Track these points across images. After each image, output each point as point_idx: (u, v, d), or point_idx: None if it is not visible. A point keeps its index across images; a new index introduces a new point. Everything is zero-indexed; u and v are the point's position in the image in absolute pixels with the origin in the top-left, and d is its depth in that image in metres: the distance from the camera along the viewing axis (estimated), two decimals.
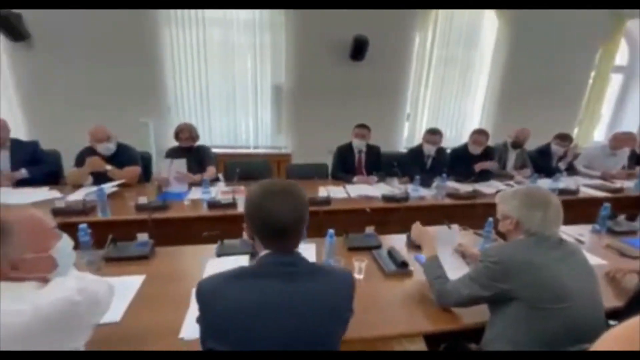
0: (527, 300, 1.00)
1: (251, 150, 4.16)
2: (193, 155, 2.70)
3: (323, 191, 2.55)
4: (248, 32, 3.69)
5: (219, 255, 1.54)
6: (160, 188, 2.46)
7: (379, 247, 1.68)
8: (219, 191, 2.48)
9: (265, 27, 3.70)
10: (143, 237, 1.60)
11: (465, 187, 2.78)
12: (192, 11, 3.48)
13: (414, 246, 1.63)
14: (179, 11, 3.46)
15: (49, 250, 0.81)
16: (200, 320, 0.80)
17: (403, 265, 1.47)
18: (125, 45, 3.38)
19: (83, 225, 1.48)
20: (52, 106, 3.45)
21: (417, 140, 4.01)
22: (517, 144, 3.34)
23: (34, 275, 0.78)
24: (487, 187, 2.82)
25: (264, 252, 0.84)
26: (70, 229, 1.25)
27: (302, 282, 0.80)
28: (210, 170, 2.68)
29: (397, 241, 1.77)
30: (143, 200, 2.07)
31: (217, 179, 2.84)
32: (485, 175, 3.02)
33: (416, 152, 3.15)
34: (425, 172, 2.93)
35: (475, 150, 3.07)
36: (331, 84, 3.95)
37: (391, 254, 1.56)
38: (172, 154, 2.69)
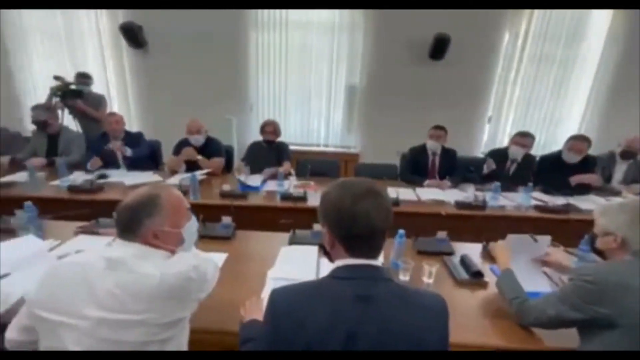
0: (631, 329, 0.87)
1: (321, 149, 4.29)
2: (273, 149, 2.91)
3: (392, 192, 2.51)
4: (327, 34, 3.82)
5: (291, 243, 1.65)
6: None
7: (451, 253, 1.61)
8: (292, 185, 2.63)
9: (343, 28, 3.79)
10: (227, 220, 1.78)
11: (555, 200, 2.47)
12: (277, 15, 3.73)
13: (490, 257, 1.52)
14: (265, 15, 3.74)
15: (181, 227, 0.93)
16: (267, 328, 0.73)
17: (477, 274, 1.39)
18: (219, 49, 3.79)
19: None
20: (156, 102, 4.04)
21: (499, 145, 3.68)
22: (628, 154, 2.85)
23: (167, 246, 0.89)
24: (584, 202, 2.46)
25: (342, 262, 0.76)
26: None
27: (382, 308, 0.70)
28: (286, 166, 2.86)
29: (470, 250, 1.67)
30: (227, 188, 2.31)
31: (290, 174, 3.01)
32: (583, 189, 2.64)
33: (500, 155, 2.89)
34: (507, 179, 2.69)
35: (572, 158, 2.69)
36: (407, 84, 3.87)
37: (464, 261, 1.48)
38: (255, 147, 2.93)
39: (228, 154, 3.23)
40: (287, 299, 0.73)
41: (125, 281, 0.78)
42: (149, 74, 3.92)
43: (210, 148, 2.94)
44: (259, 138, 3.08)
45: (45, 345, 0.79)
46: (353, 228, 0.72)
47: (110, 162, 2.85)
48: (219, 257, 1.48)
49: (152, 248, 0.86)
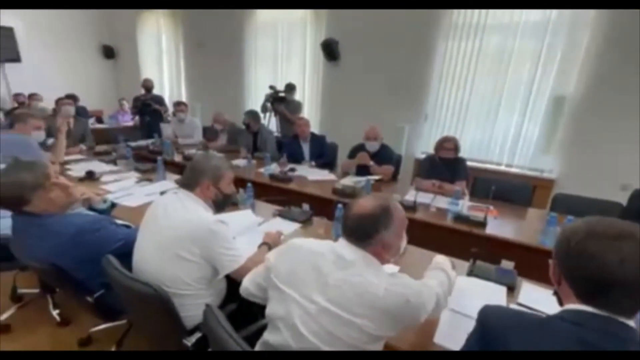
0: None
1: (502, 168, 3.70)
2: (449, 165, 2.69)
3: None
4: (534, 35, 3.23)
5: (469, 274, 1.44)
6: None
7: None
8: (466, 205, 2.35)
9: (560, 28, 3.10)
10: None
11: None
12: (475, 19, 3.43)
13: None
14: (460, 21, 3.51)
15: (401, 240, 0.97)
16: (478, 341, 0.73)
17: None
18: (403, 58, 3.83)
19: (340, 206, 1.78)
20: (338, 109, 4.48)
21: None
22: None
23: (386, 257, 0.93)
24: None
25: (573, 307, 0.66)
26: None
27: None
28: (461, 184, 2.59)
29: None
30: (398, 198, 2.29)
31: (464, 193, 2.71)
32: None
33: None
34: None
35: None
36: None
37: None
38: (428, 161, 2.78)
39: (396, 162, 3.23)
40: (507, 320, 0.70)
41: (354, 282, 0.83)
42: (336, 83, 4.40)
43: (382, 155, 3.00)
44: (428, 149, 2.92)
45: (273, 308, 0.91)
46: (582, 269, 0.63)
47: (297, 158, 3.36)
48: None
49: (375, 258, 0.90)
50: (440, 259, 1.25)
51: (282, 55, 4.84)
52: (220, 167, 1.35)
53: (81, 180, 2.57)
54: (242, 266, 1.23)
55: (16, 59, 5.45)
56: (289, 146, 3.47)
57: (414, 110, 3.93)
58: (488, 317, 0.73)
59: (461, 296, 1.27)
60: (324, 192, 2.55)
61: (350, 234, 0.91)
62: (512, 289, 1.33)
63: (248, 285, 1.06)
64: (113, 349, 1.73)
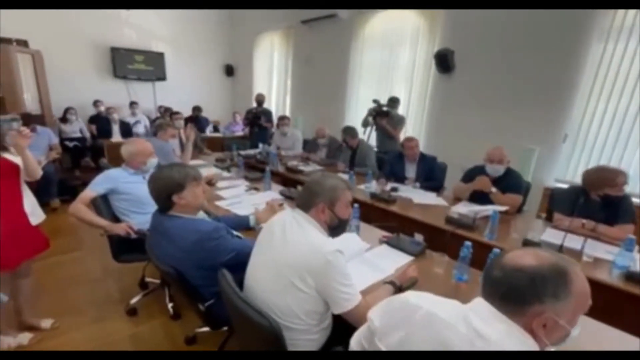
0: None
1: None
2: (606, 203, 2.08)
3: None
4: None
5: None
6: None
7: None
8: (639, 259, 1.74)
9: None
10: None
11: None
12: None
13: None
14: (617, 20, 2.80)
15: (574, 325, 0.66)
16: None
17: None
18: (536, 65, 3.23)
19: (468, 243, 1.49)
20: (448, 125, 4.05)
21: None
22: None
23: (545, 341, 0.64)
24: None
25: None
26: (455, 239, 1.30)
27: None
28: (625, 230, 1.95)
29: None
30: (532, 237, 1.84)
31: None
32: None
33: None
34: None
35: None
36: None
37: None
38: (573, 196, 2.19)
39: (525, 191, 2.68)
40: None
41: None
42: (448, 96, 3.99)
43: (507, 181, 2.52)
44: (566, 177, 2.30)
45: None
46: None
47: (399, 177, 3.10)
48: None
49: (528, 335, 0.63)
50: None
51: (387, 68, 4.67)
52: (336, 187, 1.22)
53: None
54: (356, 306, 1.07)
55: (163, 78, 6.63)
56: (392, 164, 3.25)
57: (548, 129, 3.24)
58: None
59: None
60: (433, 219, 2.24)
61: (494, 295, 0.66)
62: None
63: (353, 345, 0.85)
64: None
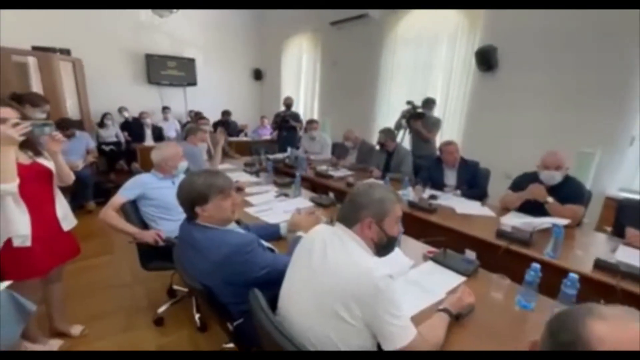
0: None
1: None
2: None
3: None
4: None
5: None
6: None
7: None
8: None
9: None
10: None
11: None
12: None
13: None
14: None
15: None
16: None
17: None
18: (597, 58, 2.89)
19: (536, 266, 1.26)
20: (490, 127, 3.75)
21: None
22: None
23: None
24: None
25: None
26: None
27: None
28: None
29: None
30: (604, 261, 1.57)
31: None
32: None
33: None
34: None
35: None
36: None
37: None
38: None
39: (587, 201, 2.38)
40: None
41: None
42: (490, 96, 3.70)
43: (566, 190, 2.23)
44: (634, 185, 1.99)
45: None
46: None
47: (437, 184, 2.87)
48: None
49: None
50: None
51: (422, 67, 4.43)
52: (385, 199, 1.06)
53: None
54: (411, 342, 0.90)
55: (194, 83, 6.75)
56: (430, 170, 3.02)
57: (611, 131, 2.88)
58: None
59: None
60: (480, 232, 2.01)
61: None
62: None
63: None
64: None
